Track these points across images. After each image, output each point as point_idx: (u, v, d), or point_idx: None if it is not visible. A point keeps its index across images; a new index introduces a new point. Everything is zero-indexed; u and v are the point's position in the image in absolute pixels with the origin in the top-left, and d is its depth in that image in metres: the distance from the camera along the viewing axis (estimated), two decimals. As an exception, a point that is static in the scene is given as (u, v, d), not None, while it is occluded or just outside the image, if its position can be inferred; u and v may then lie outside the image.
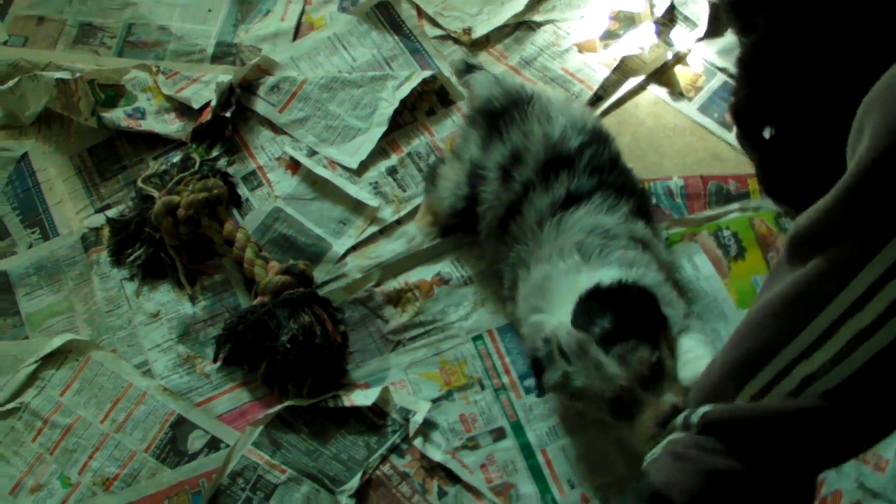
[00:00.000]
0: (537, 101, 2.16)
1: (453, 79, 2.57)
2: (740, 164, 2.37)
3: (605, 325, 1.75)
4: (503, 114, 2.16)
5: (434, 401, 2.12)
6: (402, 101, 2.51)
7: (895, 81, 1.24)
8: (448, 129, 2.50)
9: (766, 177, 2.06)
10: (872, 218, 1.25)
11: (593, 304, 1.80)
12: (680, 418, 1.51)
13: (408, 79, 2.55)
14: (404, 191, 2.42)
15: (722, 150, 2.41)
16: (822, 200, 1.29)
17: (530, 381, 2.11)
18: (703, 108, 2.49)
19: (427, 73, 2.55)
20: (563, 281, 1.88)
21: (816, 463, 1.47)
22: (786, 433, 1.39)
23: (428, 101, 2.55)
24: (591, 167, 2.04)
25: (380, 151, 2.48)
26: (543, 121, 2.11)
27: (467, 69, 2.42)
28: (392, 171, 2.45)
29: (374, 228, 2.37)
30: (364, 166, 2.47)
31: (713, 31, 2.60)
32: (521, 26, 2.67)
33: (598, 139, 2.11)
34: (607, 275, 1.84)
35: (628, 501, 1.54)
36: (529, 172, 2.05)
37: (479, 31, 2.66)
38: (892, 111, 1.21)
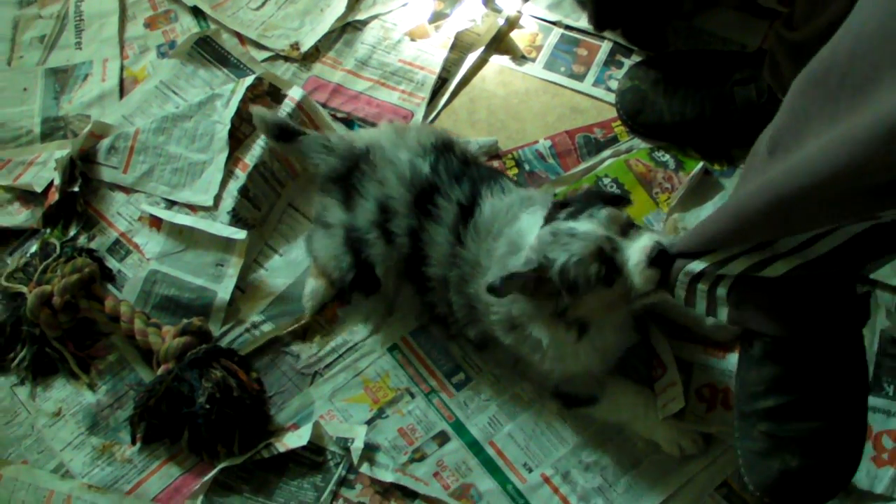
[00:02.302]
0: (374, 151, 2.07)
1: (280, 71, 2.53)
2: (600, 112, 2.37)
3: (569, 208, 1.77)
4: (351, 174, 2.07)
5: (368, 422, 2.07)
6: (238, 114, 2.42)
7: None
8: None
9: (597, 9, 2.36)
10: None
11: (555, 209, 1.79)
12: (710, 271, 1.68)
13: (233, 92, 2.46)
14: (259, 210, 2.35)
15: (578, 102, 2.40)
16: None
17: (459, 377, 2.08)
18: (549, 65, 2.48)
19: (250, 79, 2.47)
20: (517, 229, 1.83)
21: None
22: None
23: (263, 105, 2.44)
24: (453, 176, 1.98)
25: (227, 174, 2.39)
26: (389, 165, 2.03)
27: (284, 135, 2.25)
28: (244, 192, 2.35)
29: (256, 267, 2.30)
30: (218, 196, 2.37)
31: (536, -14, 2.60)
32: (347, 29, 2.62)
33: (443, 149, 2.05)
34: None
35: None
36: (406, 220, 1.97)
37: (308, 44, 2.59)
38: None
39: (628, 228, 1.74)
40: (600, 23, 2.41)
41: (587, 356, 1.85)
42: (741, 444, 1.79)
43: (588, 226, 1.71)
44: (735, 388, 1.84)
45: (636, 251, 1.69)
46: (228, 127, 2.41)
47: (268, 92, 2.46)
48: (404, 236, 1.97)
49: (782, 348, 1.74)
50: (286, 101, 2.42)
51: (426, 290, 1.99)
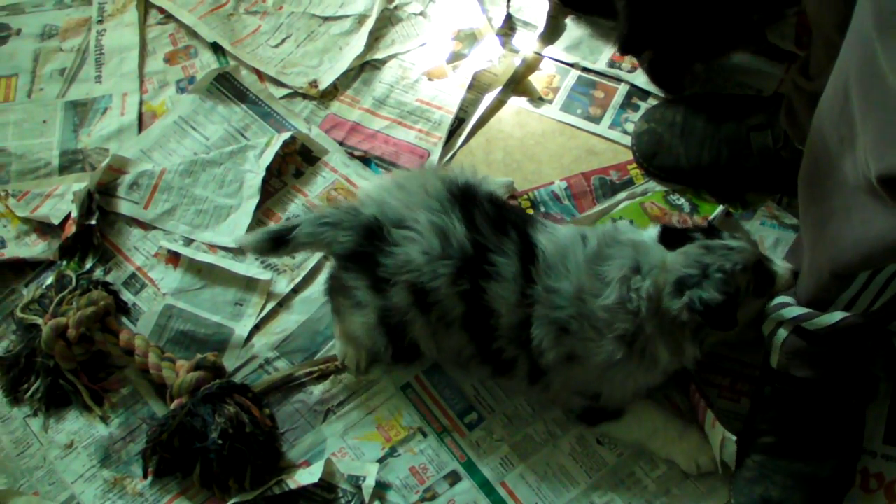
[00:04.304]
0: (385, 220, 1.93)
1: (312, 132, 2.52)
2: (616, 154, 2.39)
3: (699, 231, 1.91)
4: (368, 254, 1.93)
5: (380, 461, 2.07)
6: (268, 169, 2.44)
7: None
8: (320, 186, 2.45)
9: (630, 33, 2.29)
10: None
11: (670, 235, 1.88)
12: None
13: (268, 145, 2.48)
14: (293, 258, 2.35)
15: (594, 144, 2.41)
16: None
17: (471, 417, 2.09)
18: (566, 107, 2.49)
19: (286, 135, 2.49)
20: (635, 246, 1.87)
21: None
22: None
23: (293, 163, 2.49)
24: (496, 228, 1.90)
25: (258, 223, 2.41)
26: (410, 240, 1.89)
27: (280, 241, 2.04)
28: (277, 241, 2.37)
29: (272, 304, 2.29)
30: (245, 241, 2.38)
31: (553, 28, 2.61)
32: (365, 67, 2.64)
33: (466, 198, 1.95)
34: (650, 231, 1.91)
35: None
36: (453, 288, 1.88)
37: (326, 82, 2.61)
38: None
39: None
40: (628, 45, 2.34)
41: (663, 373, 1.93)
42: (736, 472, 1.94)
43: (740, 243, 1.85)
44: (743, 424, 1.99)
45: (783, 266, 1.92)
46: (263, 175, 2.44)
47: (299, 151, 2.50)
48: (456, 301, 1.89)
49: (789, 396, 1.93)
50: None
51: (491, 340, 1.91)
